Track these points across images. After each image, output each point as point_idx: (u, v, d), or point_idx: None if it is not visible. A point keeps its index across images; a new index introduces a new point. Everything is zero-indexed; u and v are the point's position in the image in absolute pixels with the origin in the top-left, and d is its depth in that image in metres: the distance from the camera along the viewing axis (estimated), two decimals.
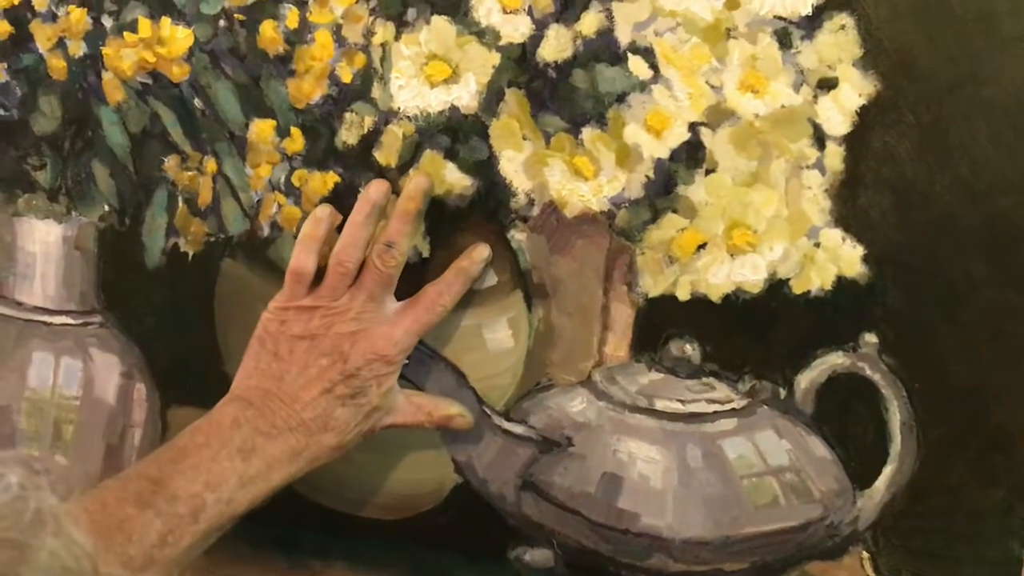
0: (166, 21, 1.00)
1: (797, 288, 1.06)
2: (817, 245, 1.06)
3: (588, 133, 1.02)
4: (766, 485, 1.02)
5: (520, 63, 1.03)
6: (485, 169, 1.03)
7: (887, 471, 1.06)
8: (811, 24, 1.06)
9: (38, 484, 0.61)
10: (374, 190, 1.01)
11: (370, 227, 1.01)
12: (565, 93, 1.03)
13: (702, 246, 1.03)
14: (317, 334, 1.00)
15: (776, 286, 1.05)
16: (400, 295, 1.02)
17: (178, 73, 1.01)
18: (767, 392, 1.07)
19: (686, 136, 1.01)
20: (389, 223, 1.02)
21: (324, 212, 1.02)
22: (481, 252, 1.05)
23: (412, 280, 1.04)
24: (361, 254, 1.01)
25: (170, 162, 1.04)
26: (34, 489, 0.61)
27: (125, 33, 1.00)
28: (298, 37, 1.02)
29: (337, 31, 1.03)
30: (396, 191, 1.03)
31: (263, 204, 1.04)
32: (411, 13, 1.04)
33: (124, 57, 1.00)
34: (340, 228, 1.03)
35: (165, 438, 1.11)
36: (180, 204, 1.05)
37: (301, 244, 1.01)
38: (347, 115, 1.03)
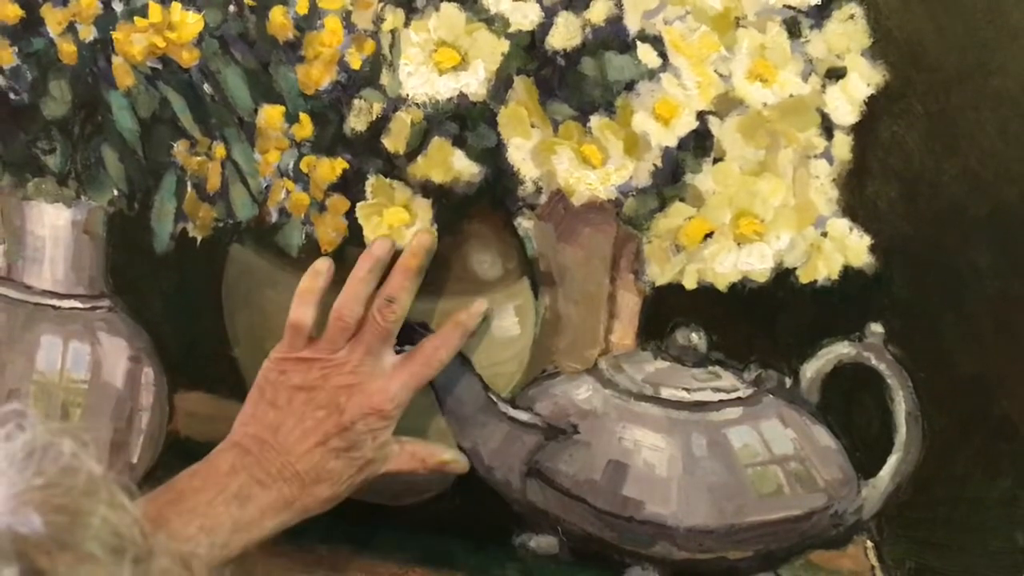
0: (176, 6, 1.00)
1: (804, 277, 1.06)
2: (824, 235, 1.06)
3: (596, 121, 1.02)
4: (771, 474, 1.02)
5: (529, 50, 1.03)
6: (493, 156, 1.03)
7: (892, 460, 1.06)
8: (820, 13, 1.05)
9: (87, 454, 0.62)
10: (377, 246, 1.02)
11: (372, 282, 1.02)
12: (574, 81, 1.03)
13: (709, 235, 1.03)
14: (315, 386, 1.01)
15: (783, 275, 1.05)
16: None
17: (188, 58, 1.01)
18: (773, 381, 1.07)
19: (694, 125, 1.01)
20: (390, 278, 1.02)
21: (323, 266, 1.02)
22: (479, 307, 1.05)
23: None
24: (361, 309, 1.02)
25: (179, 147, 1.04)
26: (85, 458, 0.62)
27: (135, 18, 1.00)
28: (308, 23, 1.02)
29: (347, 17, 1.03)
30: (402, 176, 1.03)
31: (272, 190, 1.04)
32: (420, 0, 1.04)
33: (134, 42, 1.00)
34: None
35: (172, 422, 1.12)
36: (189, 189, 1.05)
37: (299, 297, 1.02)
38: (356, 101, 1.03)
